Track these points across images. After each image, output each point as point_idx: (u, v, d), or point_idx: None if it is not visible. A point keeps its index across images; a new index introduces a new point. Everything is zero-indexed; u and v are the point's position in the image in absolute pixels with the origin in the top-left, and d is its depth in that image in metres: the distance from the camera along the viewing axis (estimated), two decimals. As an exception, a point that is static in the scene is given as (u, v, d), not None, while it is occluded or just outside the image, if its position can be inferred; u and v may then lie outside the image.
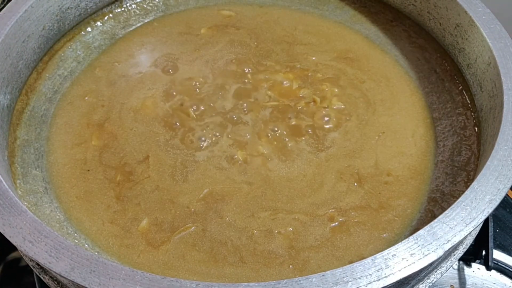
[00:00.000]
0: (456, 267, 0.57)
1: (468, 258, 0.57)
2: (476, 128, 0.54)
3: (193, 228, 0.48)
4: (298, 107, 0.58)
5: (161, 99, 0.59)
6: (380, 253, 0.36)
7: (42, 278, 0.45)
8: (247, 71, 0.62)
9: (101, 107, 0.59)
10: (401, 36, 0.66)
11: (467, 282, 0.56)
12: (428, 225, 0.38)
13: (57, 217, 0.49)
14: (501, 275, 0.57)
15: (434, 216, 0.47)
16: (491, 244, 0.54)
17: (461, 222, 0.38)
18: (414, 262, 0.36)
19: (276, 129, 0.56)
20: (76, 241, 0.48)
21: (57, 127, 0.57)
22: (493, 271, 0.57)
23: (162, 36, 0.68)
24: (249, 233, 0.48)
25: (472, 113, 0.56)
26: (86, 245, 0.47)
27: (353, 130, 0.56)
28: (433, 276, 0.44)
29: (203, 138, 0.55)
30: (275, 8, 0.71)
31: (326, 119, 0.57)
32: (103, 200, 0.51)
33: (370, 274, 0.35)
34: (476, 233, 0.51)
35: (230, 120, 0.57)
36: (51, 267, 0.36)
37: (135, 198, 0.50)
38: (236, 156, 0.53)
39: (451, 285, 0.56)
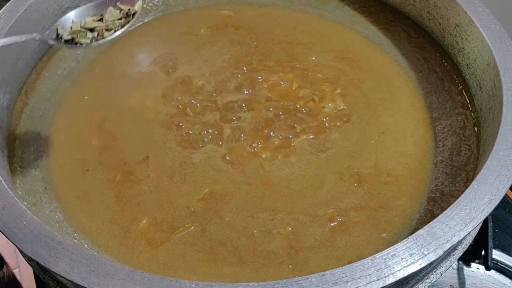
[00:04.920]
0: (455, 267, 0.57)
1: (467, 258, 0.57)
2: (476, 128, 0.54)
3: (192, 228, 0.48)
4: (298, 107, 0.58)
5: (160, 99, 0.59)
6: (380, 253, 0.36)
7: (42, 278, 0.45)
8: (246, 71, 0.62)
9: (100, 107, 0.59)
10: (400, 36, 0.66)
11: (467, 282, 0.56)
12: (428, 225, 0.38)
13: (57, 217, 0.49)
14: (501, 275, 0.57)
15: (433, 216, 0.47)
16: (490, 244, 0.54)
17: (460, 222, 0.38)
18: (413, 262, 0.36)
19: (276, 129, 0.56)
20: (76, 241, 0.48)
21: (56, 127, 0.57)
22: (492, 271, 0.57)
23: (161, 36, 0.68)
24: (248, 233, 0.48)
25: (472, 113, 0.56)
26: (86, 245, 0.47)
27: (353, 130, 0.56)
28: (433, 276, 0.44)
29: (202, 138, 0.55)
30: (275, 8, 0.71)
31: (326, 119, 0.57)
32: (103, 200, 0.50)
33: (369, 274, 0.35)
34: (476, 233, 0.51)
35: (229, 120, 0.57)
36: (51, 267, 0.36)
37: (135, 198, 0.50)
38: (235, 156, 0.53)
39: (450, 285, 0.56)
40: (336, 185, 0.51)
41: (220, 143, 0.55)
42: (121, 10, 0.52)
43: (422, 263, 0.36)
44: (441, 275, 0.45)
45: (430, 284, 0.44)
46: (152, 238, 0.48)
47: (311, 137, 0.55)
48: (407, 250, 0.37)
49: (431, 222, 0.38)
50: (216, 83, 0.61)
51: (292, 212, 0.49)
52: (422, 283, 0.44)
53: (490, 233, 0.54)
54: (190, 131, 0.56)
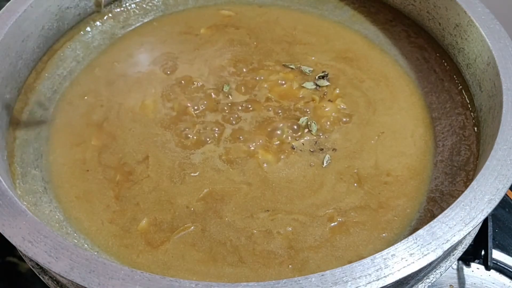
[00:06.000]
0: (455, 267, 0.57)
1: (467, 258, 0.57)
2: (476, 128, 0.54)
3: (192, 228, 0.48)
4: (298, 107, 0.58)
5: (160, 99, 0.59)
6: (380, 253, 0.36)
7: (41, 278, 0.45)
8: (246, 70, 0.62)
9: (100, 107, 0.59)
10: (400, 36, 0.66)
11: (466, 282, 0.56)
12: (428, 225, 0.38)
13: (57, 217, 0.49)
14: (500, 274, 0.57)
15: (433, 216, 0.47)
16: (490, 244, 0.54)
17: (460, 222, 0.38)
18: (413, 262, 0.36)
19: (275, 129, 0.56)
20: (76, 241, 0.48)
21: (56, 127, 0.57)
22: (492, 271, 0.57)
23: (161, 36, 0.68)
24: (248, 233, 0.48)
25: (472, 113, 0.56)
26: (86, 245, 0.47)
27: (353, 130, 0.56)
28: (432, 276, 0.45)
29: (202, 138, 0.55)
30: (274, 8, 0.71)
31: (326, 119, 0.57)
32: (103, 200, 0.51)
33: (369, 274, 0.35)
34: (475, 233, 0.51)
35: (229, 120, 0.57)
36: (51, 267, 0.36)
37: (134, 198, 0.50)
38: (235, 157, 0.53)
39: (450, 285, 0.56)
40: (336, 185, 0.51)
41: (219, 143, 0.55)
42: None
43: (422, 263, 0.36)
44: (441, 275, 0.45)
45: (430, 284, 0.44)
46: (152, 238, 0.48)
47: (311, 137, 0.55)
48: (407, 250, 0.37)
49: (431, 222, 0.38)
50: (215, 83, 0.61)
51: (292, 212, 0.49)
52: (422, 283, 0.44)
53: (490, 233, 0.54)
54: (189, 131, 0.56)
